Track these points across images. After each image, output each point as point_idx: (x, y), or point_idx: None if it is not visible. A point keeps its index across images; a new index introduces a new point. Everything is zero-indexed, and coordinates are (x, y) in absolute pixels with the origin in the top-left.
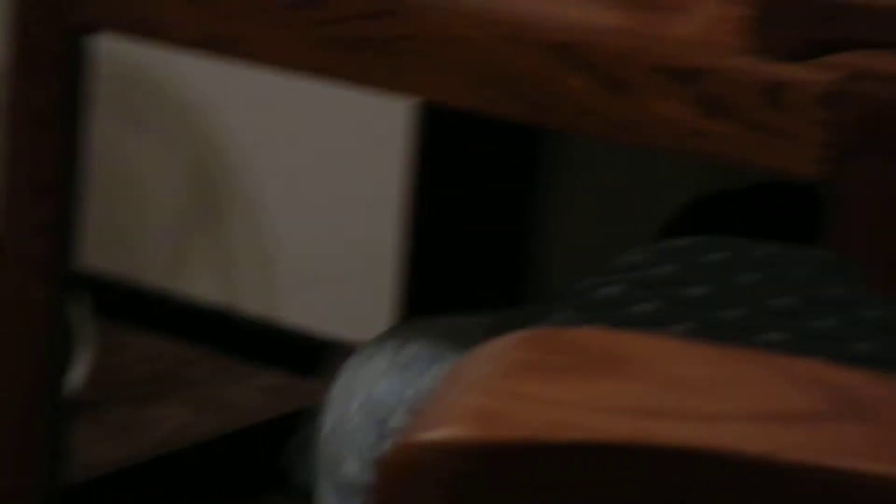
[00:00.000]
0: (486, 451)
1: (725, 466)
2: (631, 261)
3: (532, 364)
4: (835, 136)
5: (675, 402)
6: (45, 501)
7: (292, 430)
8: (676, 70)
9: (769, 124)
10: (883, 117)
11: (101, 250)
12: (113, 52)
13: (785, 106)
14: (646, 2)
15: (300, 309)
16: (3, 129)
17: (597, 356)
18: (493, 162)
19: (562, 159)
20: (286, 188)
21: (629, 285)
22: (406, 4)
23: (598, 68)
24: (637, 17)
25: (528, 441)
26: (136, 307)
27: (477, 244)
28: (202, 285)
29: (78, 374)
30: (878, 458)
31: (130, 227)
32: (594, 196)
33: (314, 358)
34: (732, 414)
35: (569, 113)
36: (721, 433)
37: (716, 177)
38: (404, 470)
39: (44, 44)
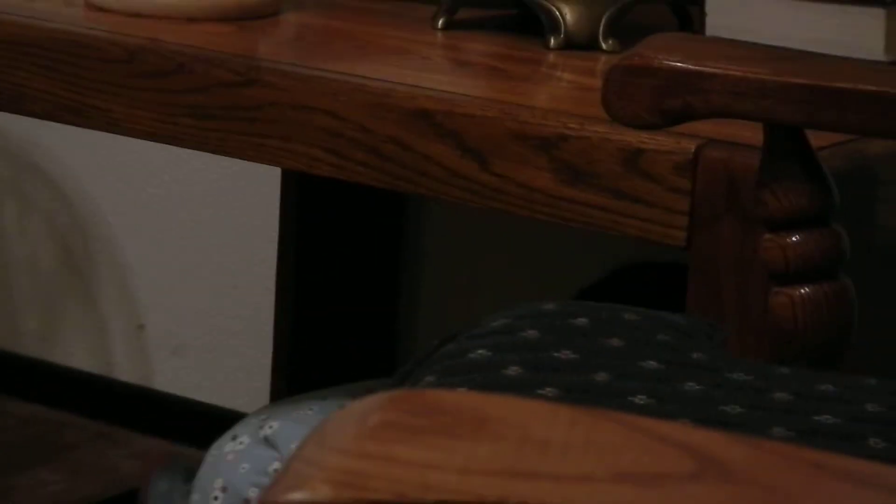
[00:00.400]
0: None
1: None
2: (497, 325)
3: (397, 425)
4: (693, 203)
5: (542, 463)
6: None
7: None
8: (537, 138)
9: (630, 192)
10: (738, 183)
11: None
12: None
13: (645, 174)
14: (508, 71)
15: (174, 376)
16: None
17: (463, 417)
18: (365, 226)
19: (430, 225)
20: (156, 254)
21: (496, 349)
22: (267, 73)
23: (461, 136)
24: (499, 85)
25: (392, 503)
26: (10, 374)
27: (351, 309)
28: (76, 353)
29: None
30: None
31: (1, 296)
32: (464, 260)
33: (191, 424)
34: (599, 475)
35: (433, 180)
36: (588, 494)
37: (594, 244)
38: None
39: None
